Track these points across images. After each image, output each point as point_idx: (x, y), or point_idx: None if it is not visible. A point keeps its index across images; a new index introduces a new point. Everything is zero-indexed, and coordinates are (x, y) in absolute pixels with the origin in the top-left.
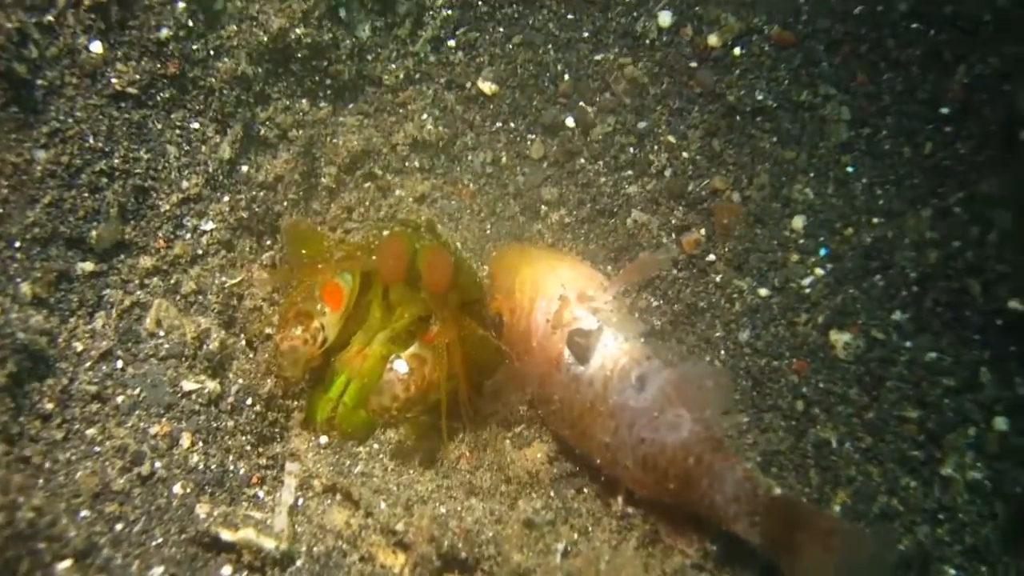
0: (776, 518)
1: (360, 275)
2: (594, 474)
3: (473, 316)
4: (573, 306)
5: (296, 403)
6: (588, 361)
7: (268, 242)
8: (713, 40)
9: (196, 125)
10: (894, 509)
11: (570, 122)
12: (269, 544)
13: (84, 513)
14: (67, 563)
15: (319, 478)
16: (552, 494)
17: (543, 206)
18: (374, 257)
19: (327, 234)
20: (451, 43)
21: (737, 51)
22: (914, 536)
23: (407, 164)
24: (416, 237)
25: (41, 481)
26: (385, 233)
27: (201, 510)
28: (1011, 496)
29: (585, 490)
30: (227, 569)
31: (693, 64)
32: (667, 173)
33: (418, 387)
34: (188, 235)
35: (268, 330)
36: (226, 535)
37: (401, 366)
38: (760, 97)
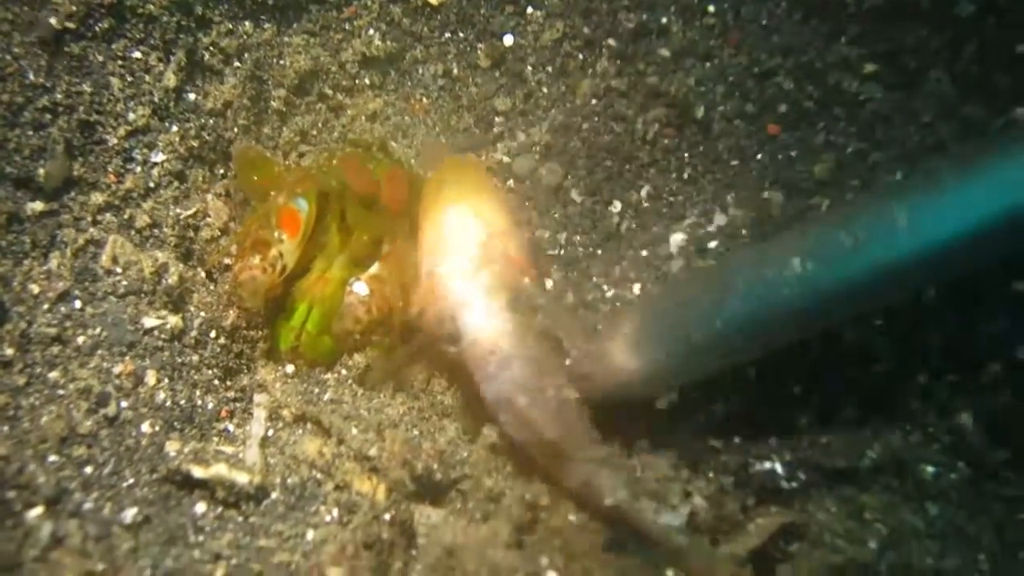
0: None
1: (316, 199)
2: None
3: None
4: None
5: (260, 333)
6: (459, 341)
7: (221, 171)
8: None
9: (138, 54)
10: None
11: (519, 29)
12: (242, 478)
13: (52, 458)
14: (38, 510)
15: (288, 408)
16: None
17: (496, 117)
18: (336, 173)
19: (278, 160)
20: None
21: None
22: (887, 444)
23: (357, 82)
24: (368, 157)
25: (6, 428)
26: (339, 154)
27: (171, 448)
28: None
29: None
30: (201, 506)
31: None
32: None
33: (379, 308)
34: (139, 168)
35: (227, 260)
36: (198, 472)
37: (361, 288)
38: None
